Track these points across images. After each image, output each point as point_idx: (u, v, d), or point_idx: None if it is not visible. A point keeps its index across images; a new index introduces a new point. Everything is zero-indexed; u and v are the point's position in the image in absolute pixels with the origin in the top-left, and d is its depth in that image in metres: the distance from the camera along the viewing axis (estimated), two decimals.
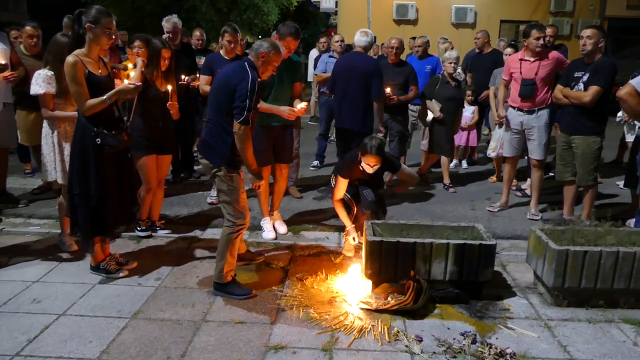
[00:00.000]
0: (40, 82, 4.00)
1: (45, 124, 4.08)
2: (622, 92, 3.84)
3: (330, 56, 7.53)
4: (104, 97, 3.39)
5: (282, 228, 4.74)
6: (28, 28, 5.38)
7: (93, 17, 3.34)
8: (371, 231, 3.61)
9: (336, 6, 17.50)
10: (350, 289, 3.60)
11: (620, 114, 6.38)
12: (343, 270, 3.90)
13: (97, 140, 3.40)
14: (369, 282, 3.57)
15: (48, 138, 4.07)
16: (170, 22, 5.73)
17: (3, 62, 4.79)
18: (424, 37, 6.86)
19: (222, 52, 5.17)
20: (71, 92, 3.44)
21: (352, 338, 3.00)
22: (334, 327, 3.12)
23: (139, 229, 4.51)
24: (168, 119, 4.40)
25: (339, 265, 4.02)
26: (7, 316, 3.18)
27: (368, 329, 3.09)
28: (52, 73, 3.99)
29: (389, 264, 3.45)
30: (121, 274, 3.74)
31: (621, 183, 6.48)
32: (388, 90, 5.53)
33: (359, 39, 5.13)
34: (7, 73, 4.81)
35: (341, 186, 4.16)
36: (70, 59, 3.34)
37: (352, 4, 15.49)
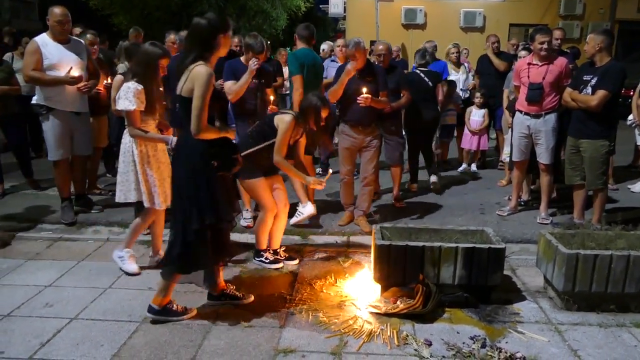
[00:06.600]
0: (131, 97, 3.60)
1: (126, 139, 3.77)
2: None
3: (332, 60, 7.19)
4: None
5: None
6: (89, 36, 5.45)
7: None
8: (380, 235, 3.62)
9: (344, 11, 17.53)
10: (359, 292, 3.61)
11: (631, 117, 6.34)
12: (352, 274, 3.91)
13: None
14: (378, 286, 3.58)
15: (128, 155, 3.76)
16: None
17: (77, 74, 4.74)
18: (432, 42, 6.82)
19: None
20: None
21: (361, 342, 3.01)
22: (343, 330, 3.12)
23: (266, 261, 4.11)
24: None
25: (348, 269, 4.03)
26: (20, 320, 3.23)
27: (377, 333, 3.09)
28: (142, 87, 3.65)
29: (398, 268, 3.45)
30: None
31: (632, 186, 6.45)
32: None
33: None
34: (81, 84, 4.81)
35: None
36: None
37: (360, 9, 15.49)
